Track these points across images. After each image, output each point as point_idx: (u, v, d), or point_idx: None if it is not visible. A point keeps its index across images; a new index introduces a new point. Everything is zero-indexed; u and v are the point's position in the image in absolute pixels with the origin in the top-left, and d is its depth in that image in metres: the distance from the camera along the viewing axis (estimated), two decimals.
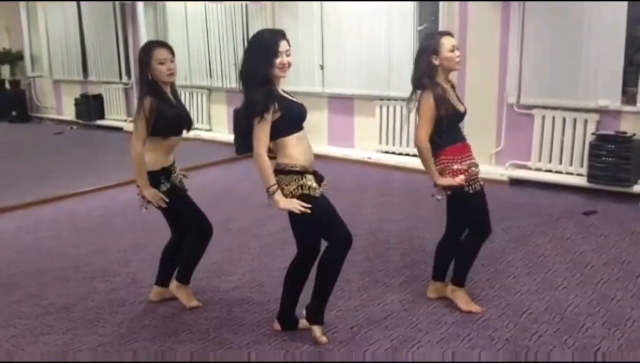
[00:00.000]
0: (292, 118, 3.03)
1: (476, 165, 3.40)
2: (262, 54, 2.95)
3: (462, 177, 3.29)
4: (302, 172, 3.02)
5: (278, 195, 2.96)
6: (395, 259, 4.39)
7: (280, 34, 2.99)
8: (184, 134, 3.60)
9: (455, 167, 3.32)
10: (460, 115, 3.43)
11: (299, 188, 2.99)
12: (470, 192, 3.35)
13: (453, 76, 3.62)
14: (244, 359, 3.15)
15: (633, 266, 4.13)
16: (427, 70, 3.34)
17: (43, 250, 4.83)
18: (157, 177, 3.48)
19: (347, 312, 3.59)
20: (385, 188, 6.32)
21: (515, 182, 6.27)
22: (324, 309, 3.25)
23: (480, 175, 3.43)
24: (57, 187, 6.57)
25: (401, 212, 5.43)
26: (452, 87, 3.48)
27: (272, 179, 2.96)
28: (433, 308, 3.61)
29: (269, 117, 2.93)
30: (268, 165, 2.96)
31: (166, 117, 3.42)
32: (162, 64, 3.39)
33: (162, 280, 3.79)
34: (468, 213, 3.46)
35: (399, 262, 4.33)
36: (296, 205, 2.94)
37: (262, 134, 2.95)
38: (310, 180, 3.02)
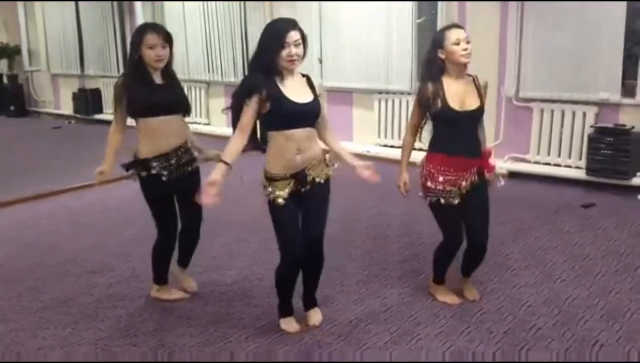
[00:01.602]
0: (279, 115, 2.97)
1: (454, 185, 3.32)
2: (269, 44, 2.92)
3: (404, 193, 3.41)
4: (275, 179, 3.04)
5: (215, 171, 2.92)
6: (394, 253, 4.40)
7: (291, 24, 2.93)
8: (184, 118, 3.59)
9: (441, 178, 3.30)
10: (453, 116, 3.24)
11: (268, 194, 3.07)
12: (429, 200, 3.37)
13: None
14: (245, 357, 3.16)
15: (632, 258, 4.14)
16: (430, 65, 3.30)
17: (42, 245, 4.83)
18: (146, 164, 3.46)
19: (346, 306, 3.59)
20: (384, 182, 6.27)
21: (514, 175, 6.26)
22: (283, 304, 3.35)
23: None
24: (55, 182, 6.57)
25: (400, 206, 5.42)
26: (474, 81, 3.33)
27: (227, 157, 2.94)
28: (432, 302, 3.61)
29: (251, 103, 2.93)
30: (235, 144, 2.97)
31: (137, 99, 3.40)
32: (151, 48, 3.38)
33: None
34: (437, 221, 3.47)
35: (398, 256, 4.33)
36: (207, 191, 2.89)
37: (244, 116, 2.97)
38: (278, 188, 3.02)
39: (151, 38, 3.38)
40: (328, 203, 3.19)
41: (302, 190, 3.08)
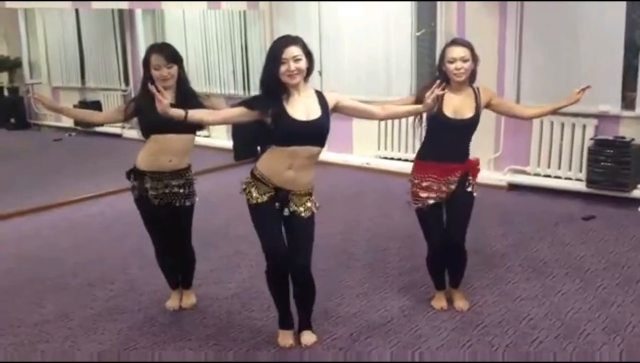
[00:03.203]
0: (281, 132, 2.99)
1: (437, 191, 3.42)
2: (269, 62, 2.96)
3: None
4: (258, 179, 3.05)
5: (174, 110, 2.94)
6: (394, 265, 4.38)
7: (290, 40, 2.94)
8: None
9: (425, 184, 3.43)
10: (445, 122, 3.36)
11: (246, 187, 3.09)
12: (416, 207, 3.49)
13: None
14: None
15: (632, 271, 4.13)
16: (436, 76, 3.45)
17: (42, 257, 4.82)
18: (140, 176, 3.53)
19: (346, 319, 3.58)
20: (384, 194, 6.31)
21: (514, 187, 6.26)
22: (279, 315, 3.33)
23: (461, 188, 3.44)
24: (55, 194, 6.55)
25: (400, 218, 5.42)
26: (475, 94, 3.41)
27: (191, 111, 2.98)
28: (433, 314, 3.60)
29: (242, 106, 2.99)
30: (205, 113, 3.11)
31: (140, 117, 3.47)
32: (156, 69, 3.43)
33: (178, 283, 3.86)
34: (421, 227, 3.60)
35: (399, 268, 4.32)
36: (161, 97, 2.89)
37: (234, 108, 3.03)
38: (257, 189, 3.04)
39: (155, 59, 3.43)
40: (313, 232, 3.15)
41: (284, 211, 3.06)
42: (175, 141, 3.47)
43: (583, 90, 3.50)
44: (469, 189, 3.47)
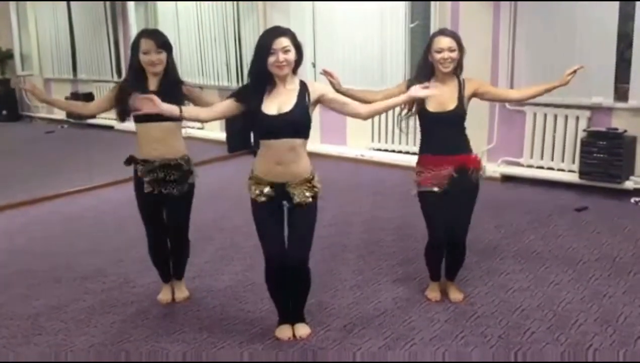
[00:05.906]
0: (256, 126, 3.04)
1: (437, 178, 3.42)
2: (257, 53, 2.96)
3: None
4: (257, 177, 3.08)
5: (169, 106, 2.96)
6: (388, 257, 4.39)
7: (278, 32, 2.94)
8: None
9: (427, 174, 3.43)
10: (428, 117, 3.39)
11: (249, 185, 3.11)
12: (418, 191, 3.50)
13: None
14: (238, 359, 3.14)
15: (625, 262, 4.15)
16: (422, 66, 3.47)
17: (34, 251, 4.81)
18: (136, 164, 3.56)
19: (340, 310, 3.58)
20: (378, 186, 6.32)
21: (507, 179, 6.28)
22: (278, 311, 3.34)
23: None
24: (48, 187, 6.53)
25: (394, 210, 5.43)
26: (459, 85, 3.41)
27: (185, 109, 3.05)
28: (426, 306, 3.61)
29: (231, 99, 3.03)
30: (200, 110, 3.19)
31: (126, 102, 3.42)
32: (145, 54, 3.41)
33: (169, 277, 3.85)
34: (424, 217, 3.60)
35: (392, 260, 4.33)
36: (146, 103, 2.91)
37: (223, 102, 3.08)
38: (257, 188, 3.06)
39: (144, 43, 3.42)
40: (314, 225, 3.15)
41: (285, 205, 3.05)
42: (154, 129, 3.44)
43: (574, 71, 3.50)
44: (473, 181, 3.46)
